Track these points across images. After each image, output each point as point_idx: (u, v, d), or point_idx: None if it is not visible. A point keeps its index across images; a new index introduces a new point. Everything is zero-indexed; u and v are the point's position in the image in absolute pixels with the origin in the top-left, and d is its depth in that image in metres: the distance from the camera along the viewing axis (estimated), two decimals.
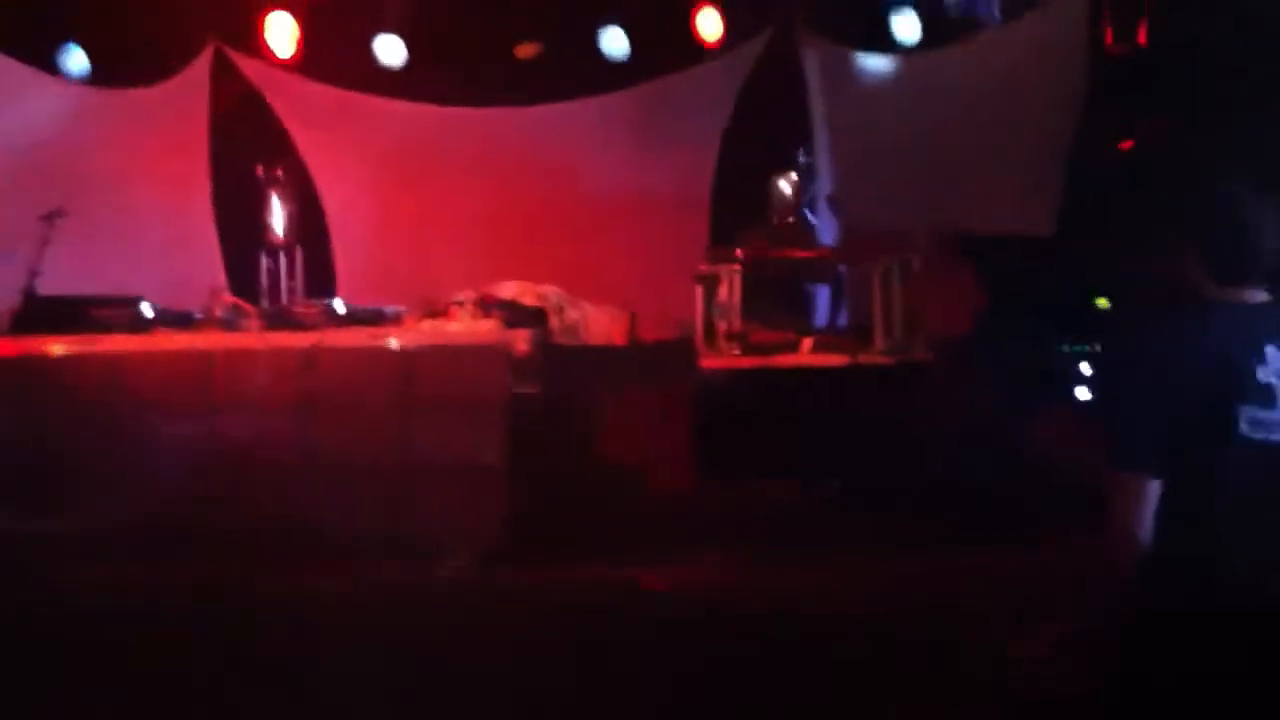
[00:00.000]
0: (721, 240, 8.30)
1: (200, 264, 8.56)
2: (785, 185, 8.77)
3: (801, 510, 6.26)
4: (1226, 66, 4.82)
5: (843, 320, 8.34)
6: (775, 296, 7.85)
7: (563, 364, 6.23)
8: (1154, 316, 3.11)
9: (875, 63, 9.28)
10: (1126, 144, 5.99)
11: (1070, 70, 7.51)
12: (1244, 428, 2.69)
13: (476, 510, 5.44)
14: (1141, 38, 5.62)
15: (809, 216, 9.02)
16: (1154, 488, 2.72)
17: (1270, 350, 2.73)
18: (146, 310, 6.53)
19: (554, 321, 6.56)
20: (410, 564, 5.31)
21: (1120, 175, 6.10)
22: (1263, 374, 2.72)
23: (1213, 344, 2.78)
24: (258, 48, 8.85)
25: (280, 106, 9.05)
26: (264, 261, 8.82)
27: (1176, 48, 5.23)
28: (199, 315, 6.62)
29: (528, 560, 5.37)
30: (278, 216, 8.90)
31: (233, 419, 5.80)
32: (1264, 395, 2.71)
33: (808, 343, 7.46)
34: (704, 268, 7.53)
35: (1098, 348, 7.52)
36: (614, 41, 9.06)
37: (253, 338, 6.17)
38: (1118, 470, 2.75)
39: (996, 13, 9.40)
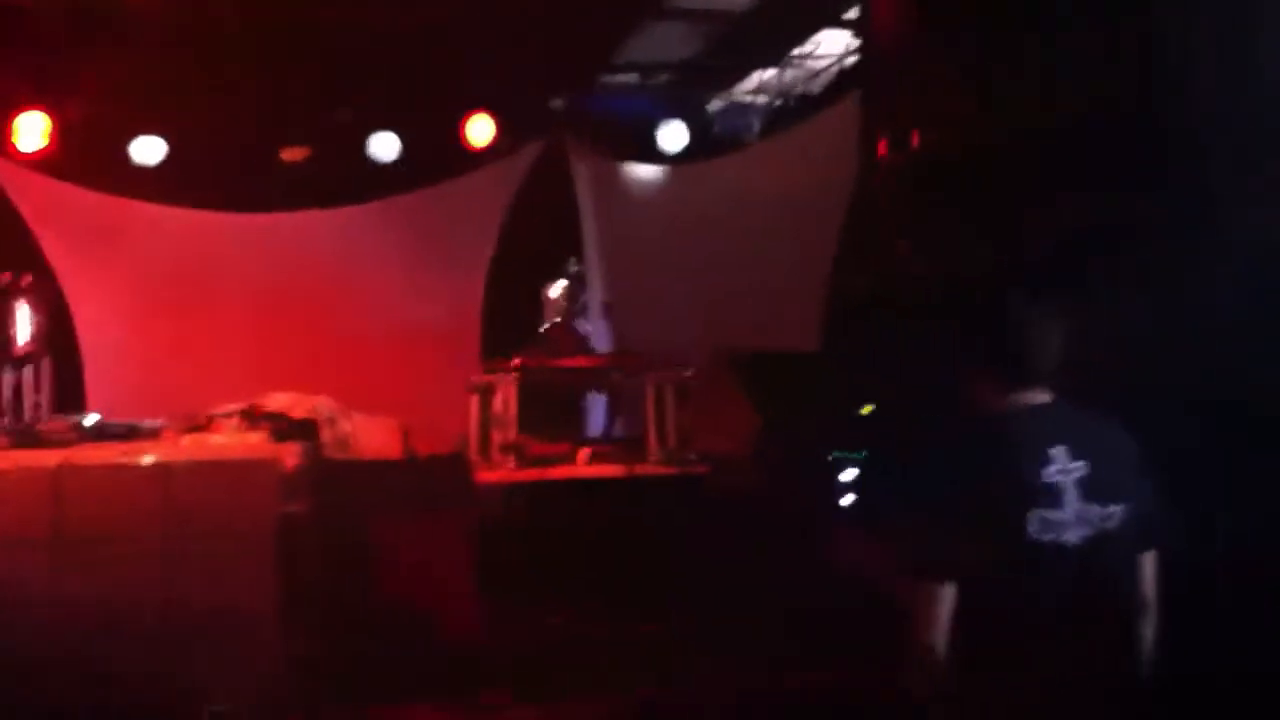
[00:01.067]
0: (495, 349, 8.21)
1: None
2: (558, 294, 8.77)
3: (580, 641, 6.11)
4: (1002, 170, 4.98)
5: (617, 431, 8.35)
6: (550, 407, 7.78)
7: (335, 479, 5.96)
8: (938, 423, 3.16)
9: (643, 172, 9.45)
10: (901, 250, 6.15)
11: (837, 181, 7.74)
12: (1032, 529, 2.72)
13: (246, 653, 5.06)
14: (914, 143, 5.80)
15: (582, 325, 9.02)
16: (950, 592, 2.72)
17: (1055, 451, 2.78)
18: None
19: (325, 434, 6.32)
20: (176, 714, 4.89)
21: (896, 281, 6.26)
22: (1048, 475, 2.77)
23: (998, 448, 2.82)
24: (4, 146, 8.40)
25: (26, 208, 8.57)
26: (6, 374, 8.27)
27: (952, 153, 5.39)
28: None
29: (304, 708, 5.06)
30: (22, 326, 8.37)
31: None
32: (1051, 496, 2.75)
33: (584, 454, 7.41)
34: (478, 377, 7.40)
35: (863, 454, 7.67)
36: (383, 146, 8.95)
37: None
38: (916, 578, 2.75)
39: (757, 128, 9.72)
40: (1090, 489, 2.76)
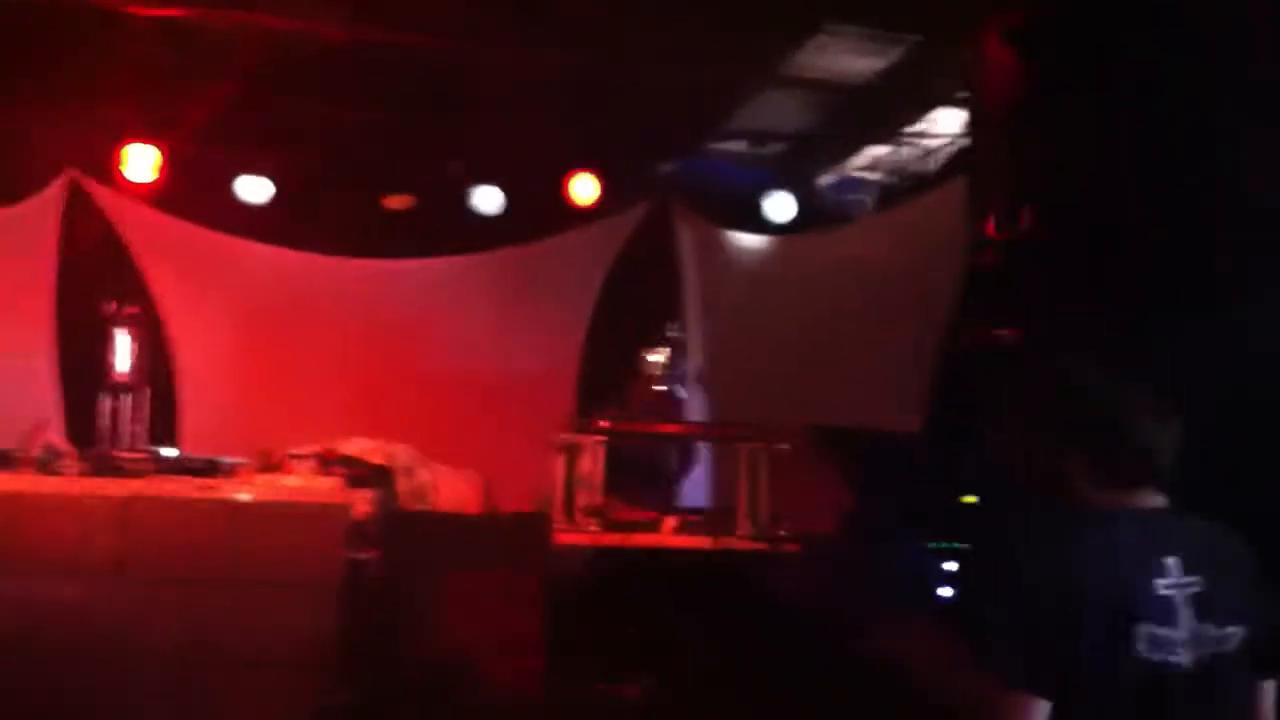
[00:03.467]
0: (589, 410, 8.05)
1: (36, 401, 8.03)
2: (655, 359, 8.62)
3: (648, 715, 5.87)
4: (1113, 255, 4.76)
5: (705, 501, 8.13)
6: (639, 472, 7.58)
7: (408, 530, 5.82)
8: (1044, 521, 2.91)
9: (748, 242, 9.30)
10: (1006, 334, 5.91)
11: (945, 260, 7.50)
12: (1141, 647, 2.48)
13: (297, 700, 4.90)
14: (1024, 224, 5.59)
15: (678, 392, 8.84)
16: (1043, 708, 2.48)
17: (1169, 562, 2.54)
18: None
19: (402, 483, 6.18)
20: None
21: (998, 367, 6.01)
22: (1160, 587, 2.52)
23: (1107, 554, 2.58)
24: (115, 178, 8.49)
25: (134, 241, 8.66)
26: (105, 402, 8.31)
27: (1061, 236, 5.18)
28: (14, 454, 6.10)
29: None
30: (122, 355, 8.40)
31: (22, 580, 5.12)
32: (1162, 611, 2.51)
33: (670, 522, 7.18)
34: (566, 437, 7.22)
35: (965, 546, 7.38)
36: (486, 199, 8.90)
37: (65, 482, 5.63)
38: (1009, 688, 2.50)
39: (870, 202, 9.54)
40: (1205, 607, 2.52)
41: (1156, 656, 2.48)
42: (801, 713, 5.62)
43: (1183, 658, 2.50)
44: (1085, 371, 2.83)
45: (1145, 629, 2.48)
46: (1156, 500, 2.62)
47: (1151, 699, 2.49)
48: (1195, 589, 2.53)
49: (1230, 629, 2.54)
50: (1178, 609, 2.51)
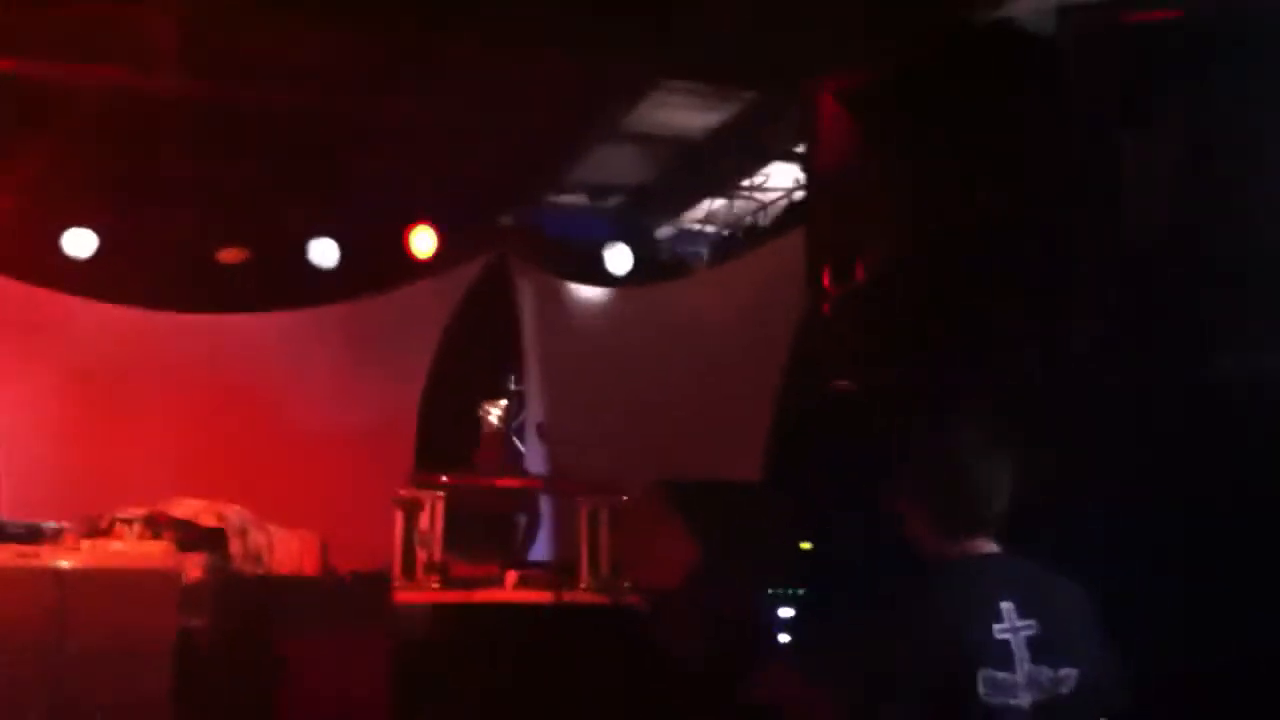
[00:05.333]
0: (428, 465, 7.96)
1: None
2: (494, 413, 8.56)
3: None
4: (945, 302, 4.90)
5: (548, 555, 8.10)
6: (479, 528, 7.52)
7: (242, 593, 5.66)
8: (881, 569, 2.96)
9: (587, 294, 9.33)
10: (843, 385, 6.02)
11: (781, 312, 7.63)
12: (982, 690, 2.54)
13: None
14: (859, 274, 5.72)
15: (518, 445, 8.81)
16: None
17: (1005, 607, 2.60)
18: None
19: (235, 546, 6.02)
20: None
21: (835, 418, 6.12)
22: (998, 632, 2.59)
23: (945, 601, 2.64)
24: None
25: None
26: None
27: (895, 285, 5.31)
28: None
29: None
30: None
31: None
32: (1001, 655, 2.57)
33: (512, 577, 7.13)
34: (405, 493, 7.13)
35: (802, 592, 7.46)
36: (324, 252, 8.76)
37: None
38: None
39: (705, 255, 9.67)
40: (1040, 649, 2.59)
41: (996, 700, 2.54)
42: None
43: (1022, 700, 2.56)
44: (915, 424, 2.90)
45: (985, 673, 2.54)
46: (991, 546, 2.69)
47: None
48: (1030, 632, 2.59)
49: (1065, 670, 2.60)
50: (1014, 652, 2.57)
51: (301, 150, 8.06)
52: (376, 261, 8.91)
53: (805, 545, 8.05)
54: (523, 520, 8.35)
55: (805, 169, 7.98)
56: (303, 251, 8.80)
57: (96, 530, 5.88)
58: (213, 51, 7.06)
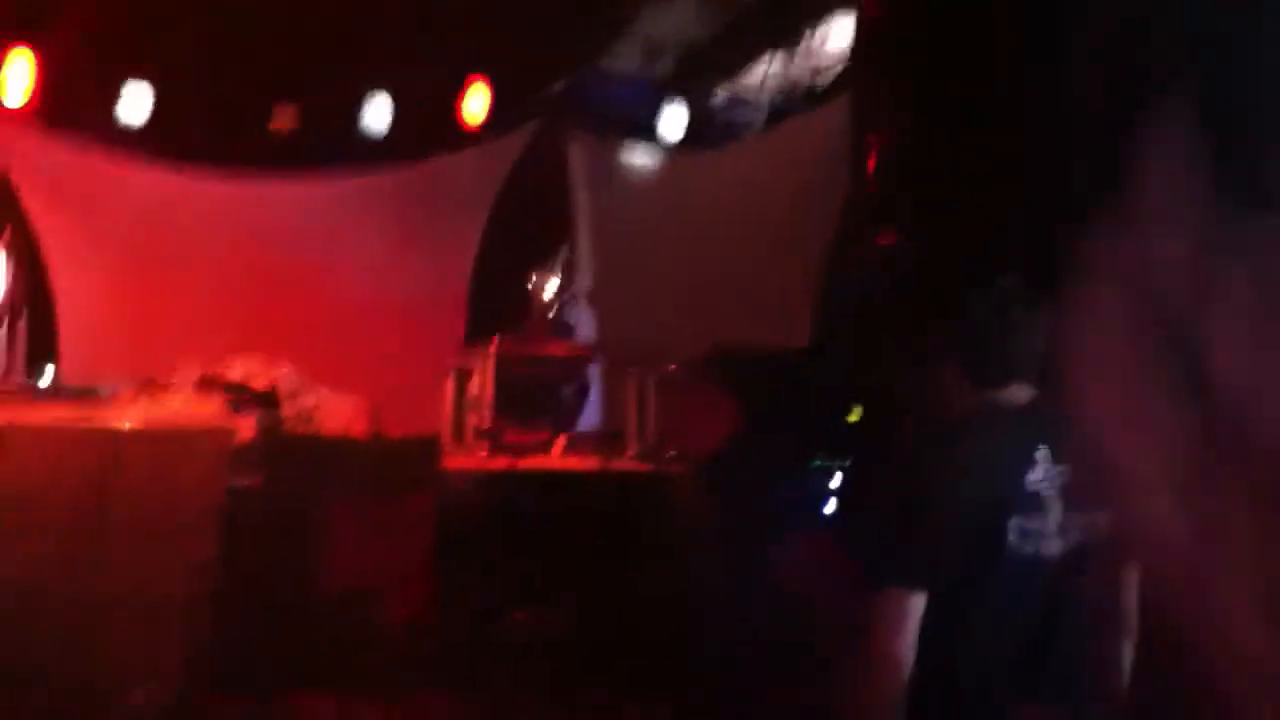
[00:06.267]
0: (479, 334, 8.01)
1: None
2: (545, 282, 8.58)
3: (540, 643, 5.89)
4: (991, 162, 4.83)
5: (598, 424, 8.15)
6: (529, 396, 7.57)
7: (293, 455, 5.75)
8: (915, 426, 2.97)
9: (640, 161, 9.25)
10: (888, 240, 5.98)
11: (832, 177, 7.55)
12: (1012, 539, 2.55)
13: (175, 630, 4.83)
14: (900, 139, 5.66)
15: (568, 316, 8.82)
16: (919, 601, 2.53)
17: (1038, 455, 2.60)
18: None
19: (287, 407, 6.11)
20: (92, 699, 4.64)
21: (880, 279, 6.09)
22: (1032, 481, 2.59)
23: (979, 451, 2.64)
24: None
25: (9, 162, 8.38)
26: None
27: (941, 143, 5.24)
28: None
29: (236, 690, 4.83)
30: None
31: None
32: (1033, 504, 2.58)
33: (560, 444, 7.21)
34: (455, 360, 7.20)
35: (848, 463, 7.48)
36: (376, 117, 8.71)
37: None
38: (877, 587, 2.55)
39: (762, 118, 9.52)
40: (1073, 496, 2.59)
41: (1027, 549, 2.55)
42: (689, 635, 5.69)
43: (1052, 548, 2.57)
44: (950, 275, 2.87)
45: (1016, 522, 2.55)
46: (1026, 394, 2.67)
47: (1023, 588, 2.57)
48: (1063, 480, 2.59)
49: (1097, 514, 2.60)
50: (1046, 501, 2.58)
51: (357, 10, 8.01)
52: (427, 128, 8.86)
53: (854, 416, 8.06)
54: (571, 389, 8.39)
55: (857, 32, 7.82)
56: (355, 116, 8.77)
57: (150, 391, 5.98)
58: None
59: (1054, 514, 2.57)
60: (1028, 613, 2.58)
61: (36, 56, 8.09)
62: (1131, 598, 2.70)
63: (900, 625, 2.48)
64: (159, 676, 4.69)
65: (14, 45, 8.06)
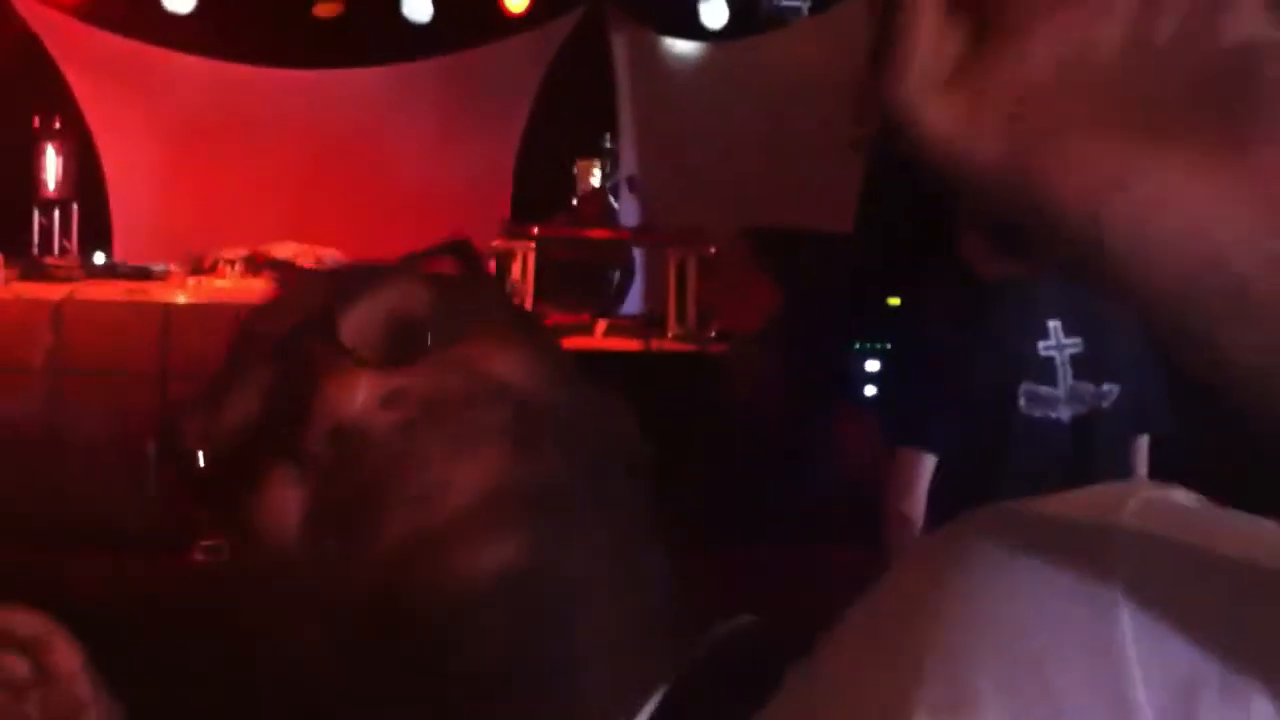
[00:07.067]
0: (521, 221, 8.09)
1: None
2: (589, 168, 8.62)
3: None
4: None
5: (637, 306, 8.24)
6: (572, 279, 7.66)
7: None
8: (935, 299, 3.02)
9: (683, 49, 9.23)
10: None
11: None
12: (1022, 403, 2.62)
13: None
14: None
15: (611, 201, 8.88)
16: (928, 462, 2.62)
17: (1052, 324, 2.66)
18: None
19: None
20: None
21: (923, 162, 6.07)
22: (1044, 348, 2.65)
23: (989, 318, 2.70)
24: None
25: (57, 52, 8.51)
26: (34, 216, 8.26)
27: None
28: None
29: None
30: (51, 169, 8.34)
31: None
32: (1044, 370, 2.64)
33: (601, 326, 7.29)
34: (498, 243, 7.28)
35: (888, 345, 7.52)
36: (417, 7, 8.75)
37: None
38: (893, 446, 2.65)
39: (805, 6, 9.46)
40: (1085, 366, 2.65)
41: (1037, 413, 2.62)
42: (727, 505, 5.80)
43: (1062, 414, 2.63)
44: None
45: (1026, 387, 2.61)
46: (1039, 266, 2.72)
47: (1032, 452, 2.64)
48: (1075, 350, 2.64)
49: (1108, 387, 2.67)
50: (1057, 369, 2.64)
51: None
52: (470, 16, 8.88)
53: (894, 300, 8.08)
54: (614, 272, 8.47)
55: None
56: (397, 5, 8.81)
57: (200, 269, 6.13)
58: None
59: (1065, 381, 2.63)
60: (1039, 476, 2.65)
61: None
62: (1142, 466, 2.77)
63: (911, 484, 2.58)
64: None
65: None
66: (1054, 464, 2.64)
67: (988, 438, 2.63)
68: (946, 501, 2.58)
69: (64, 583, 4.55)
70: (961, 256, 2.83)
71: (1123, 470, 2.75)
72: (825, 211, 7.94)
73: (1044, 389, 2.64)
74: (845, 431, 6.16)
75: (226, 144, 8.55)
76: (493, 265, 7.36)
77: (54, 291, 5.53)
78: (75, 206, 8.27)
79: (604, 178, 8.77)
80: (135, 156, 8.68)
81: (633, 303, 8.63)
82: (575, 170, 8.61)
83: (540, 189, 8.78)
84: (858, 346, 7.61)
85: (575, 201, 8.51)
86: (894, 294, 8.00)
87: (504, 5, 8.82)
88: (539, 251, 7.25)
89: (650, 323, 7.42)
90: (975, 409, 2.62)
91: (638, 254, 8.35)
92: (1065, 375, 2.65)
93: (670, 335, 7.18)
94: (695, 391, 6.72)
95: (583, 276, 7.94)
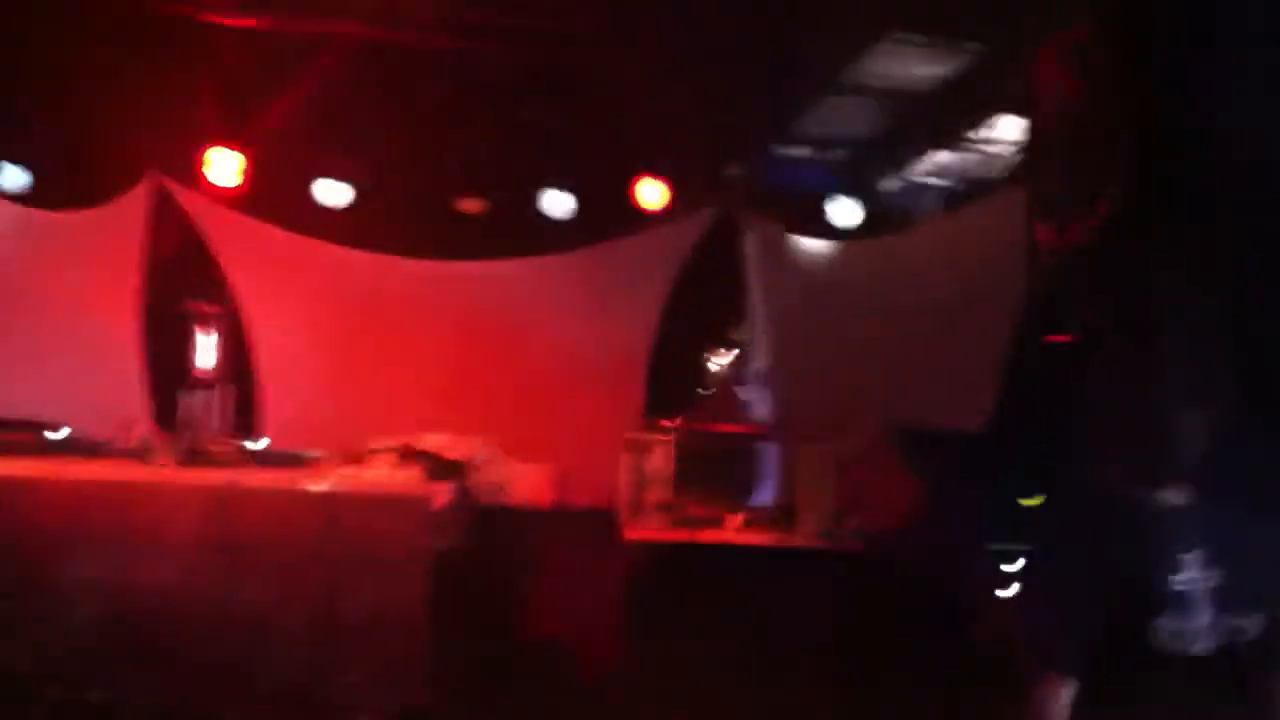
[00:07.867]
0: (656, 410, 8.21)
1: (124, 395, 8.33)
2: (721, 361, 8.76)
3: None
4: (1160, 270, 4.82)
5: (774, 499, 8.25)
6: (707, 471, 7.72)
7: (483, 521, 6.01)
8: (1077, 521, 3.01)
9: (815, 246, 9.40)
10: (1058, 340, 5.97)
11: (1008, 263, 7.57)
12: (1158, 638, 2.59)
13: (396, 667, 5.14)
14: (1076, 228, 5.65)
15: (744, 393, 8.98)
16: (1067, 689, 2.61)
17: (1188, 558, 2.64)
18: (52, 435, 6.28)
19: (477, 477, 6.37)
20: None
21: (1052, 373, 6.08)
22: (1178, 582, 2.63)
23: (1127, 551, 2.69)
24: (198, 180, 8.75)
25: (217, 242, 8.93)
26: (187, 399, 8.57)
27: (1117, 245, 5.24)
28: (110, 446, 6.38)
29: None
30: (204, 353, 8.66)
31: (142, 559, 5.42)
32: (1180, 605, 2.61)
33: (735, 520, 7.31)
34: (635, 435, 7.38)
35: (1025, 548, 7.41)
36: (556, 203, 9.08)
37: (163, 472, 5.88)
38: (1043, 669, 2.65)
39: (930, 209, 9.63)
40: (1225, 599, 2.62)
41: (1174, 647, 2.59)
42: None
43: (1201, 647, 2.60)
44: (1118, 373, 2.91)
45: (1165, 623, 2.59)
46: (1179, 497, 2.71)
47: (1173, 689, 2.61)
48: (1214, 583, 2.61)
49: (1250, 618, 2.63)
50: (1196, 602, 2.61)
51: (535, 102, 8.39)
52: (607, 212, 9.17)
53: (1030, 501, 8.00)
54: (748, 465, 8.51)
55: (1029, 121, 7.88)
56: (535, 202, 9.14)
57: (352, 459, 6.31)
58: (453, 4, 7.46)
59: (1203, 615, 2.60)
60: (1180, 711, 2.62)
61: (241, 152, 8.65)
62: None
63: (1048, 705, 2.57)
64: (381, 705, 4.98)
65: (219, 142, 8.63)
66: (1196, 699, 2.60)
67: (1127, 670, 2.61)
68: None
69: None
70: (1105, 477, 2.82)
71: (1264, 701, 2.69)
72: (958, 411, 7.94)
73: (1181, 624, 2.61)
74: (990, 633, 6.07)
75: (372, 332, 8.86)
76: (628, 456, 7.47)
77: (216, 477, 5.74)
78: (226, 390, 8.56)
79: (736, 369, 8.90)
80: (285, 343, 9.00)
81: (762, 494, 8.65)
82: (707, 361, 8.76)
83: (673, 378, 8.92)
84: (995, 548, 7.52)
85: (706, 391, 8.64)
86: (1028, 495, 7.94)
87: (639, 203, 9.10)
88: (678, 443, 7.33)
89: (783, 516, 7.41)
90: (1116, 640, 2.61)
91: (770, 446, 8.39)
92: (1204, 609, 2.61)
93: (803, 531, 7.16)
94: (830, 588, 6.67)
95: (719, 469, 7.99)
